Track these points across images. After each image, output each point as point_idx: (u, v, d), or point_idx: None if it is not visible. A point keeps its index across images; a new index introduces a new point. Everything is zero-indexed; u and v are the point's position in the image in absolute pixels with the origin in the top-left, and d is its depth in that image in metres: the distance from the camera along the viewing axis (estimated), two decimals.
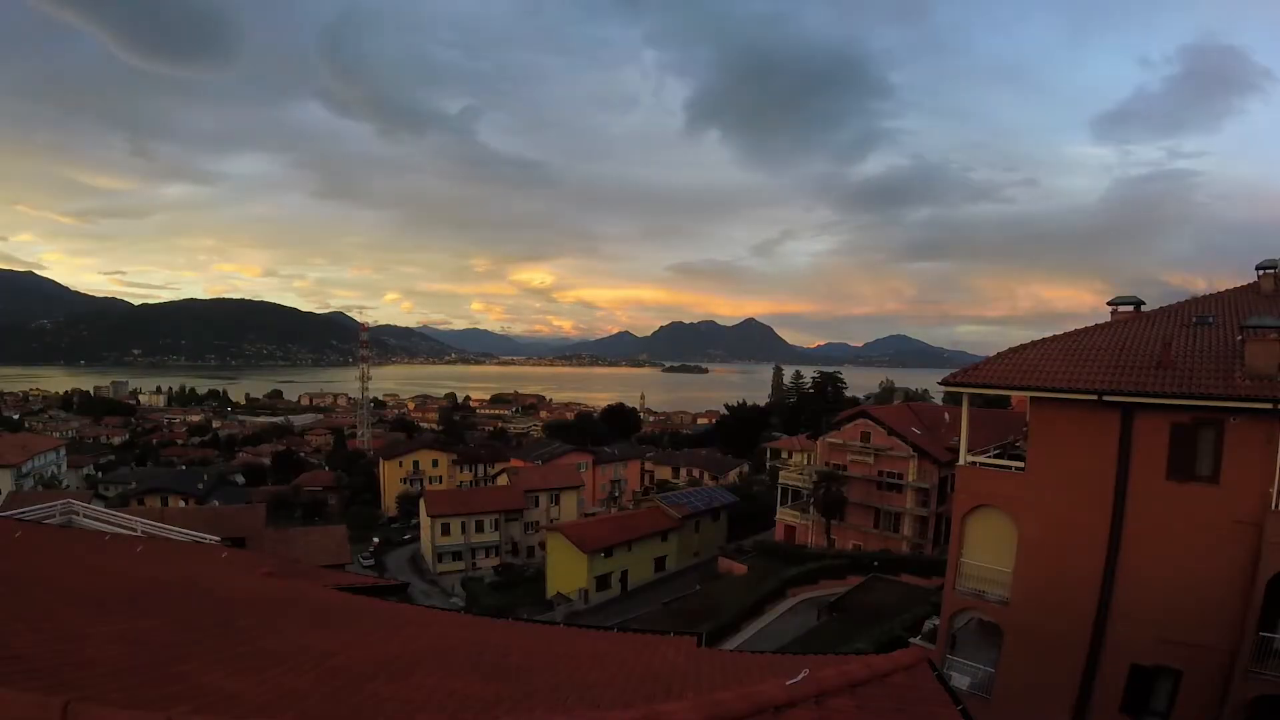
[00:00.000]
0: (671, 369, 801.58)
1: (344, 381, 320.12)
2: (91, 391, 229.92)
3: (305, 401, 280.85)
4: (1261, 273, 17.78)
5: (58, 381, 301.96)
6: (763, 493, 63.83)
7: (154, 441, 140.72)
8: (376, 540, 67.36)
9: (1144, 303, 18.25)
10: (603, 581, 44.83)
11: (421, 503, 62.50)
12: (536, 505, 63.78)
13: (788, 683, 3.82)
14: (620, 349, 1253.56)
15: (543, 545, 55.01)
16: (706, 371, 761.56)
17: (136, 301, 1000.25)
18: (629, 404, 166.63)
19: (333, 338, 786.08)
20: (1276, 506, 12.68)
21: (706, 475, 78.78)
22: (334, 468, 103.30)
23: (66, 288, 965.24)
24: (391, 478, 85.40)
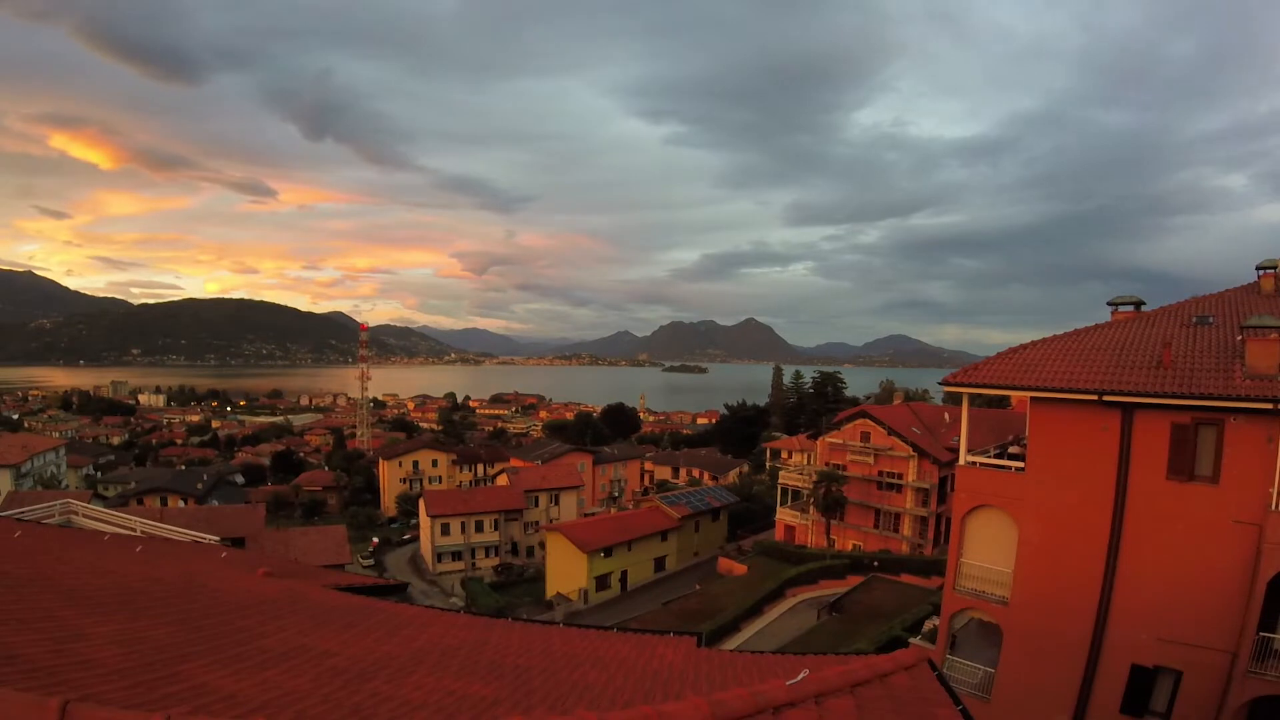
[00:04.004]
0: (671, 368, 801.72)
1: (344, 381, 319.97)
2: (91, 391, 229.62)
3: (305, 401, 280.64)
4: (1261, 273, 17.76)
5: (57, 381, 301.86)
6: (763, 493, 63.81)
7: (153, 441, 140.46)
8: (376, 540, 67.31)
9: (1144, 302, 18.24)
10: (602, 581, 44.80)
11: (421, 503, 62.40)
12: (536, 505, 63.75)
13: (788, 683, 3.81)
14: (620, 348, 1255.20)
15: (542, 545, 54.98)
16: (706, 371, 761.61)
17: (136, 301, 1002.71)
18: (629, 404, 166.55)
19: (332, 337, 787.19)
20: (1276, 506, 12.67)
21: (706, 475, 78.75)
22: (334, 468, 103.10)
23: (66, 287, 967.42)
24: (391, 478, 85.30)
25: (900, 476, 44.54)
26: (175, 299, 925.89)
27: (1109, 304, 18.67)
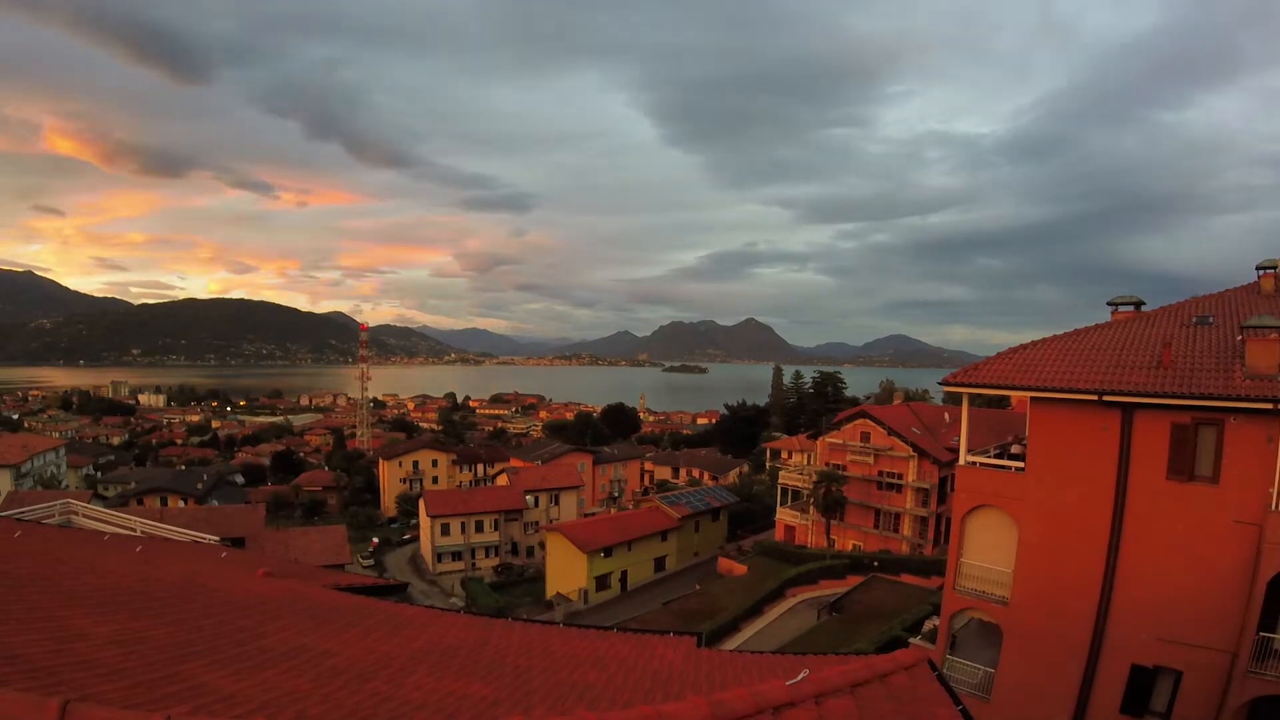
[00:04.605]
0: (671, 369, 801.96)
1: (344, 381, 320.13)
2: (91, 391, 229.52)
3: (305, 401, 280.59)
4: (1261, 273, 17.76)
5: (57, 381, 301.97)
6: (763, 493, 63.82)
7: (153, 441, 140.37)
8: (376, 540, 67.31)
9: (1144, 302, 18.23)
10: (602, 581, 44.80)
11: (421, 503, 62.40)
12: (536, 505, 63.74)
13: (788, 683, 3.81)
14: (620, 348, 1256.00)
15: (542, 545, 54.98)
16: (706, 371, 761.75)
17: (136, 301, 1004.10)
18: (629, 404, 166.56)
19: (332, 337, 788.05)
20: (1276, 506, 12.67)
21: (706, 475, 78.75)
22: (334, 468, 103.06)
23: (66, 287, 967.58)
24: (391, 478, 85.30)
25: (900, 476, 44.53)
26: (175, 299, 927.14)
27: (1109, 304, 18.67)
